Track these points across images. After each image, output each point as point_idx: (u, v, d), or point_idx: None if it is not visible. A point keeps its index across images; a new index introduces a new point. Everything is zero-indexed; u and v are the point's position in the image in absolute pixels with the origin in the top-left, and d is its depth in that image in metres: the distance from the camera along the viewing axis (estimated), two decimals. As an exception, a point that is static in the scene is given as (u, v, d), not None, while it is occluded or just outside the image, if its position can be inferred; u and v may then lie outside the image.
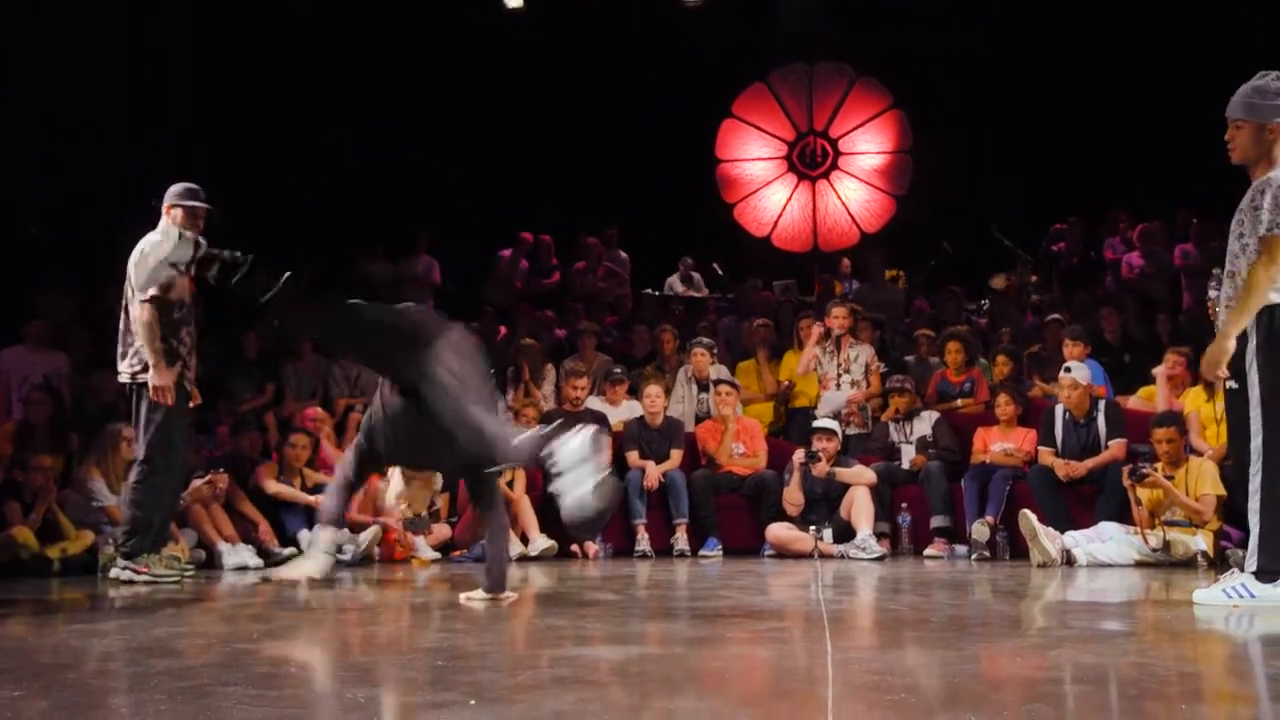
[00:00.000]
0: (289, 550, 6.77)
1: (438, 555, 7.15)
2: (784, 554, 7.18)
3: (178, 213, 5.67)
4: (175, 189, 5.75)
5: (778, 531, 7.28)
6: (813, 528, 7.14)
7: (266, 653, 3.21)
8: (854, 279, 11.76)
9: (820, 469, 7.25)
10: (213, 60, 11.38)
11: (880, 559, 6.89)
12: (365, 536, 6.85)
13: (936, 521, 7.28)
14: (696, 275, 12.44)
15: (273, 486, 6.97)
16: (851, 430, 7.94)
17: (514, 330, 10.16)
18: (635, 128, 13.25)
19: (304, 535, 6.76)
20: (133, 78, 9.83)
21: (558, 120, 13.15)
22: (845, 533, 7.17)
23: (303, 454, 7.18)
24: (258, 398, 8.90)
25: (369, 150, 12.31)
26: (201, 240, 5.40)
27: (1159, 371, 7.52)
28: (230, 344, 9.21)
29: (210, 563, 6.49)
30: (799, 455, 7.36)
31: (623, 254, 12.36)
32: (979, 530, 6.95)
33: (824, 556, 7.00)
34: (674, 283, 12.38)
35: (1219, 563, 6.15)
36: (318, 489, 7.10)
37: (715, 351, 8.63)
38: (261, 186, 11.91)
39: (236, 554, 6.54)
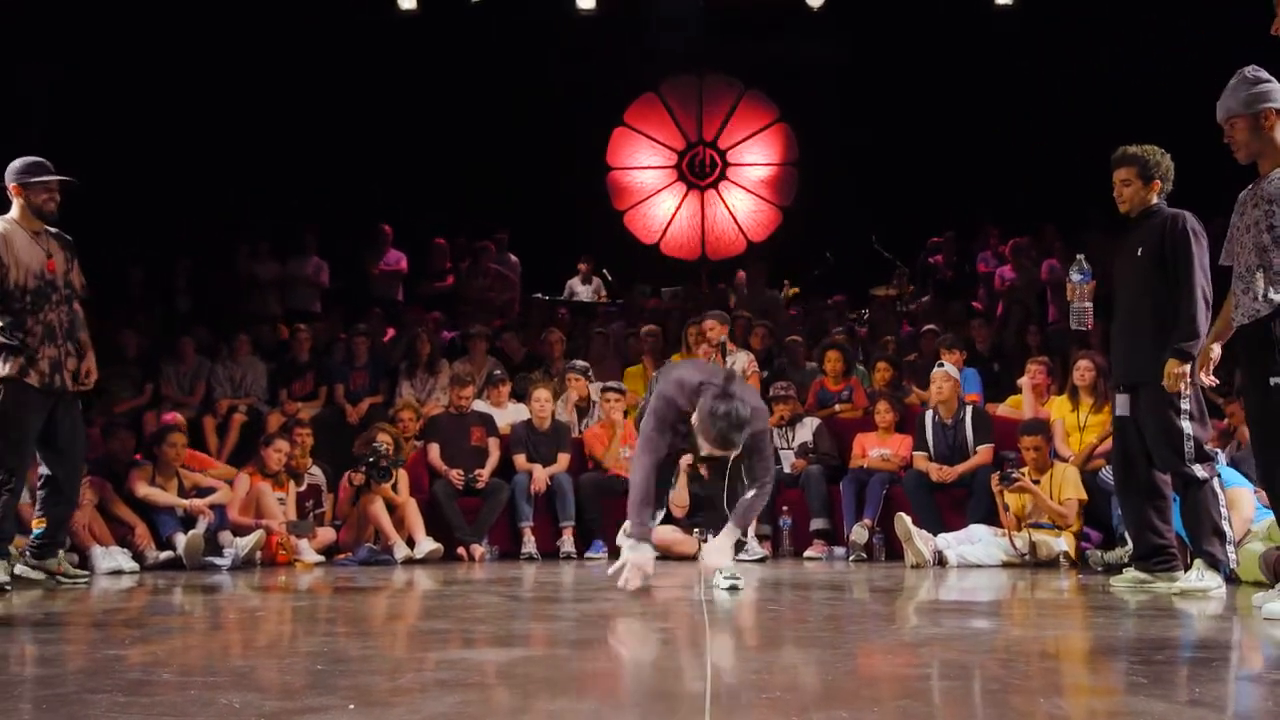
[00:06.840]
0: (165, 554, 6.60)
1: (321, 559, 7.04)
2: (668, 556, 7.24)
3: (30, 193, 5.18)
4: (18, 165, 5.21)
5: (663, 533, 7.29)
6: (697, 530, 7.23)
7: (138, 659, 3.13)
8: (748, 289, 11.91)
9: (706, 471, 7.33)
10: (89, 44, 11.00)
11: (761, 560, 7.01)
12: (248, 541, 6.70)
13: (816, 524, 7.44)
14: (597, 279, 12.47)
15: (143, 490, 6.76)
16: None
17: (402, 331, 10.05)
18: (529, 133, 13.27)
19: (179, 539, 6.59)
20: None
21: (452, 124, 13.10)
22: (729, 535, 7.26)
23: (181, 453, 7.00)
24: (136, 398, 8.65)
25: (263, 149, 12.09)
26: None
27: (1024, 381, 7.84)
28: (109, 343, 8.91)
29: (83, 566, 6.26)
30: (686, 459, 7.42)
31: (513, 258, 12.31)
32: (857, 533, 7.13)
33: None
34: (574, 285, 12.39)
35: (1080, 563, 6.46)
36: (202, 491, 6.93)
37: (590, 375, 8.59)
38: (144, 181, 11.58)
39: (110, 557, 6.34)
